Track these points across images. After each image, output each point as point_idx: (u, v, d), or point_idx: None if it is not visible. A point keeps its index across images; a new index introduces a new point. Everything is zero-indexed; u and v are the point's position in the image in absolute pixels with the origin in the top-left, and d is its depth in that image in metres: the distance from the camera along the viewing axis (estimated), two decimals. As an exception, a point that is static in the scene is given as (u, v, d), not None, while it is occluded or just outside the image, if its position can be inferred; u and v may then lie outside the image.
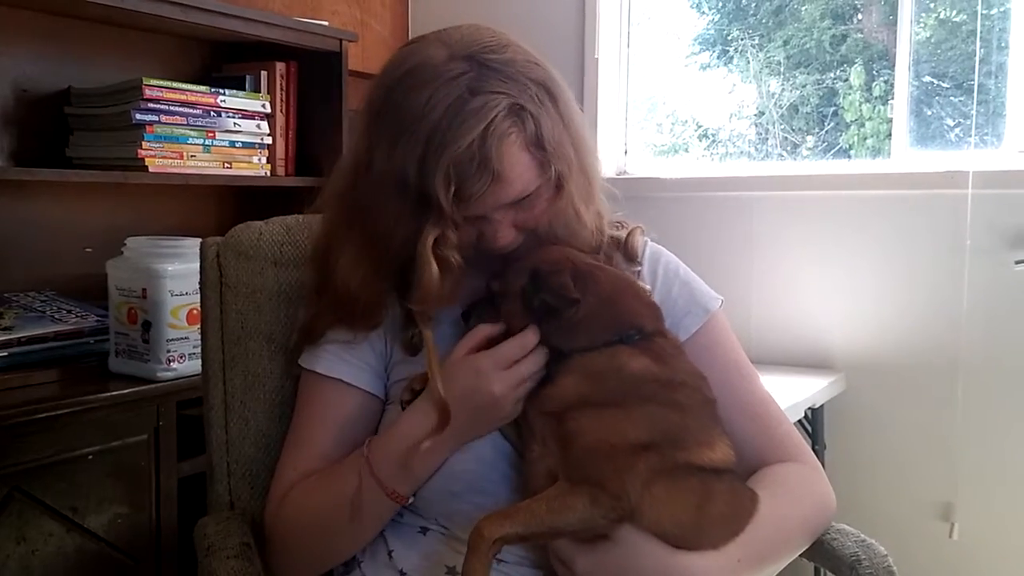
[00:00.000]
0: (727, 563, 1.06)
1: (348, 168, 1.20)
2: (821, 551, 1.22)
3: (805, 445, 1.27)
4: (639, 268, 1.28)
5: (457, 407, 1.11)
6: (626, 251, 1.28)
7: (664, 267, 1.30)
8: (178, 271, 1.99)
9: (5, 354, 1.94)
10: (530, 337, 1.12)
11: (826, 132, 2.93)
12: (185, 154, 2.27)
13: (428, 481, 1.15)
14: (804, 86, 2.95)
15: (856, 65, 2.84)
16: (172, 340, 2.00)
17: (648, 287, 1.25)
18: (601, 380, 1.08)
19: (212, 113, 2.34)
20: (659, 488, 1.03)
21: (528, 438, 1.13)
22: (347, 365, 1.22)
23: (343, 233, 1.20)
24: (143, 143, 2.17)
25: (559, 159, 1.11)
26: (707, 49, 3.14)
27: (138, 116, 2.16)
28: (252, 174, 2.47)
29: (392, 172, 1.09)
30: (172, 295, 1.99)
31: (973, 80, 2.50)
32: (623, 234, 1.29)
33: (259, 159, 2.48)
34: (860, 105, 2.83)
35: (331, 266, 1.20)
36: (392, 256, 1.14)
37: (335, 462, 1.21)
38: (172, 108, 2.23)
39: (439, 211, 1.08)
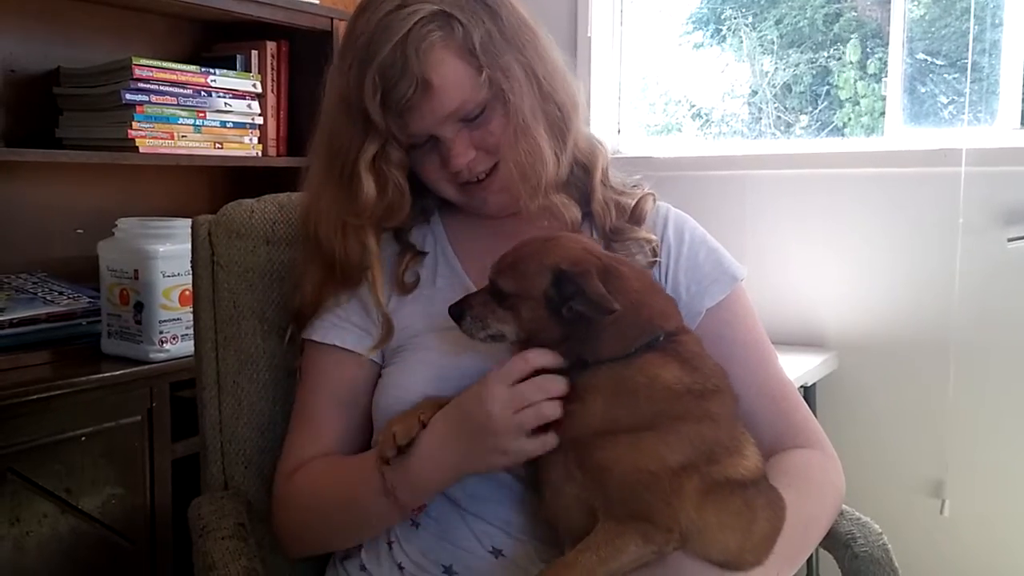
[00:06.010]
0: None
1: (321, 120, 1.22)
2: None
3: (822, 431, 1.24)
4: (653, 237, 1.24)
5: (452, 417, 1.05)
6: (633, 215, 1.25)
7: (691, 232, 1.27)
8: (170, 252, 1.98)
9: (-3, 336, 1.94)
10: (549, 357, 1.02)
11: (820, 111, 2.92)
12: (176, 134, 2.26)
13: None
14: (798, 65, 2.94)
15: (850, 43, 2.82)
16: (164, 321, 2.00)
17: (656, 237, 1.24)
18: (632, 399, 1.00)
19: (203, 93, 2.33)
20: (709, 513, 0.97)
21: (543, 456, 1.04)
22: (341, 331, 1.22)
23: (319, 183, 1.21)
24: (133, 123, 2.15)
25: (496, 69, 1.11)
26: (700, 28, 3.13)
27: (128, 96, 2.14)
28: (243, 154, 2.45)
29: (338, 92, 1.15)
30: (164, 276, 1.99)
31: (967, 57, 2.49)
32: (629, 200, 1.26)
33: (250, 139, 2.47)
34: (854, 83, 2.82)
35: (313, 221, 1.21)
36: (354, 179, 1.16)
37: (343, 452, 1.20)
38: (162, 88, 2.22)
39: (375, 123, 1.11)
